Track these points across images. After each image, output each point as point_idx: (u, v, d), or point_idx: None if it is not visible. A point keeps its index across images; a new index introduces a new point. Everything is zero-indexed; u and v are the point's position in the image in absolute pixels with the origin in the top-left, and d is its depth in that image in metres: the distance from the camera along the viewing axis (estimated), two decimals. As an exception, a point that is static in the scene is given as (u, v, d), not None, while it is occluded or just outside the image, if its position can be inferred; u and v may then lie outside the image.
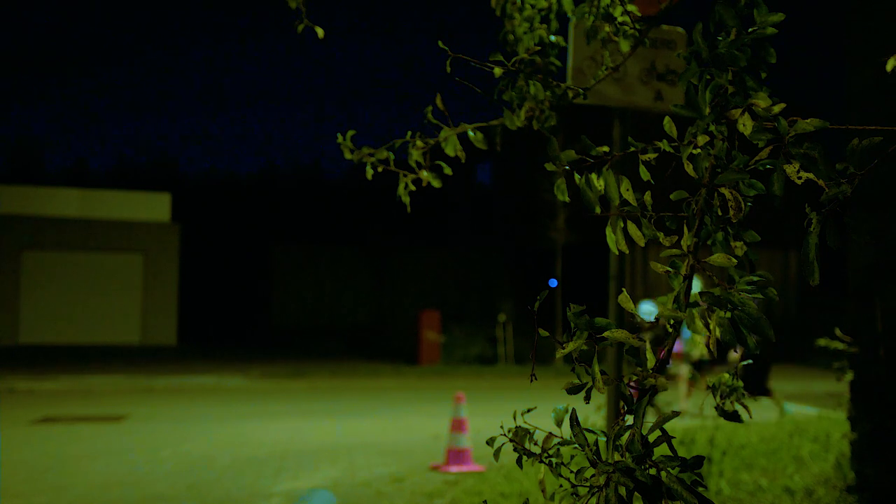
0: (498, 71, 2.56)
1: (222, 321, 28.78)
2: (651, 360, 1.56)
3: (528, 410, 1.84)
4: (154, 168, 45.34)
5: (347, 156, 2.86)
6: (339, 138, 2.86)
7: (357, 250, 27.95)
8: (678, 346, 11.05)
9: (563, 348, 1.51)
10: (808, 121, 1.45)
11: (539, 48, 2.64)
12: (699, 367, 10.97)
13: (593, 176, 1.84)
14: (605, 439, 1.48)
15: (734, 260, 1.53)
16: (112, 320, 24.05)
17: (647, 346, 1.58)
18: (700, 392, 11.61)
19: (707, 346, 1.57)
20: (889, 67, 2.06)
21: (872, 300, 5.14)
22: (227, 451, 8.27)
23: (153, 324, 24.55)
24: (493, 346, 19.79)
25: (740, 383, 1.88)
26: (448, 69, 2.58)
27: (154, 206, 25.30)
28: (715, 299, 1.52)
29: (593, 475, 1.43)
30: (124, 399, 12.82)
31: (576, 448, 1.51)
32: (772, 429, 8.74)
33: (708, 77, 1.59)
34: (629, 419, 1.46)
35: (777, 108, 1.49)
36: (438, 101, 2.61)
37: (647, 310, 10.47)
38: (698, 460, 1.37)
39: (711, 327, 1.52)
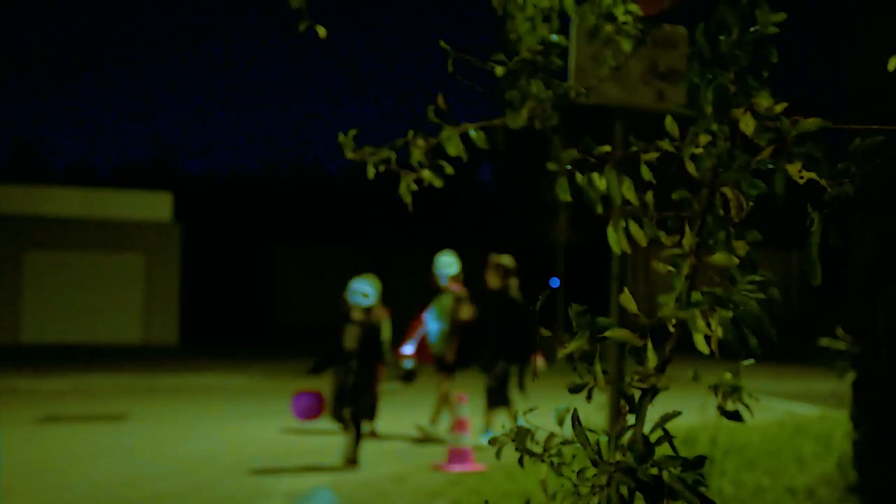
0: (500, 70, 2.56)
1: (224, 321, 28.79)
2: (652, 360, 1.56)
3: (530, 410, 1.84)
4: (155, 168, 45.36)
5: (349, 155, 2.85)
6: (341, 137, 2.86)
7: (359, 250, 27.96)
8: (415, 346, 9.44)
9: (565, 347, 1.51)
10: (811, 120, 1.45)
11: (541, 47, 2.64)
12: (446, 369, 9.26)
13: (595, 175, 1.84)
14: (606, 439, 1.48)
15: (736, 259, 1.53)
16: (113, 320, 24.07)
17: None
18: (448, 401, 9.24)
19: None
20: (891, 67, 2.05)
21: (874, 300, 5.13)
22: (229, 451, 8.27)
23: (155, 323, 24.58)
24: (494, 346, 19.77)
25: (742, 383, 1.87)
26: (450, 68, 2.58)
27: (155, 206, 25.32)
28: (717, 299, 1.52)
29: (595, 475, 1.43)
30: (126, 398, 12.83)
31: (577, 447, 1.51)
32: (774, 429, 8.74)
33: (710, 76, 1.59)
34: (631, 418, 1.46)
35: (779, 108, 1.49)
36: (440, 101, 2.62)
37: (361, 289, 7.98)
38: (700, 460, 1.37)
39: (713, 327, 1.51)
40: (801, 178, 1.43)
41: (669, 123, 1.76)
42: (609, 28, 2.65)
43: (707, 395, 1.94)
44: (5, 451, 7.70)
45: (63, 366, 17.58)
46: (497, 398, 8.99)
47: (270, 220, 36.89)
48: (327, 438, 8.89)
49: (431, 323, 9.41)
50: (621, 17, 2.61)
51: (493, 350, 8.92)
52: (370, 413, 8.15)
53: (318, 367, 7.88)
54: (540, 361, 9.19)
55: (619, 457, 1.42)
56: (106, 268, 24.26)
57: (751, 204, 1.58)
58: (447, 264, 9.40)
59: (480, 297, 9.26)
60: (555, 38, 2.70)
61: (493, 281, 9.14)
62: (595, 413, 7.47)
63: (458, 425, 7.55)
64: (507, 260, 9.19)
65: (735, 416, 1.82)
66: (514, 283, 9.17)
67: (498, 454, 1.80)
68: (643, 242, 1.78)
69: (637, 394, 1.52)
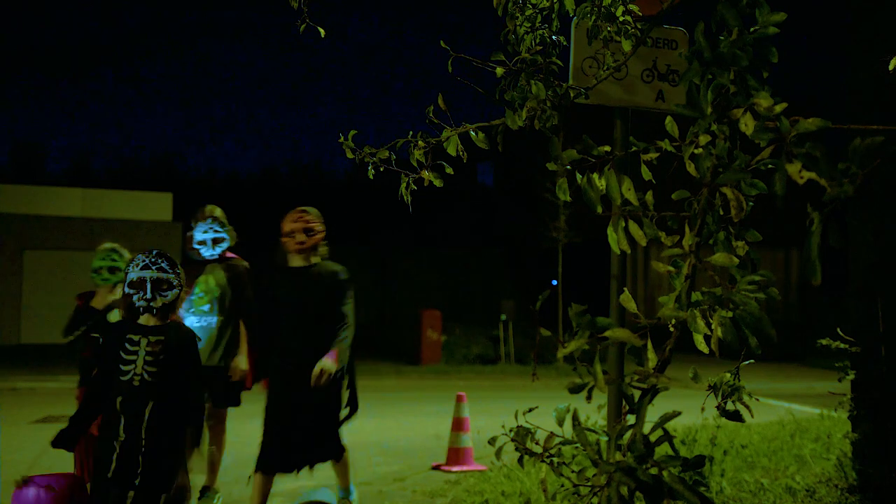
0: (500, 70, 2.56)
1: (224, 321, 28.67)
2: (652, 360, 1.56)
3: (530, 410, 1.84)
4: (155, 167, 45.38)
5: (349, 155, 2.86)
6: (341, 138, 2.87)
7: (358, 250, 27.97)
8: None
9: (565, 347, 1.51)
10: (810, 120, 1.45)
11: (541, 48, 2.64)
12: (231, 391, 5.92)
13: (595, 175, 1.84)
14: (606, 439, 1.48)
15: (736, 259, 1.53)
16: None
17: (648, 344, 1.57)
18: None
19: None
20: (891, 67, 2.05)
21: (874, 299, 5.14)
22: (228, 451, 8.27)
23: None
24: (494, 346, 19.80)
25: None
26: (450, 69, 2.58)
27: (156, 206, 25.32)
28: (716, 299, 1.52)
29: (595, 475, 1.43)
30: (126, 398, 12.82)
31: (577, 447, 1.51)
32: (774, 429, 8.74)
33: (710, 77, 1.59)
34: (631, 419, 1.47)
35: (779, 108, 1.49)
36: (440, 101, 2.62)
37: (164, 276, 3.90)
38: (700, 460, 1.38)
39: (713, 327, 1.52)
40: (801, 178, 1.43)
41: (669, 124, 1.77)
42: (609, 28, 2.65)
43: (707, 395, 1.94)
44: (5, 451, 7.70)
45: (63, 365, 17.57)
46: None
47: (270, 220, 36.92)
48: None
49: (189, 315, 5.81)
50: (621, 17, 2.61)
51: (281, 363, 5.21)
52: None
53: (73, 433, 3.88)
54: (330, 377, 5.04)
55: (619, 457, 1.42)
56: (106, 268, 24.24)
57: (750, 204, 1.58)
58: (212, 221, 5.93)
59: (271, 275, 5.44)
60: (554, 38, 2.70)
61: (293, 251, 5.32)
62: (595, 413, 7.48)
63: (458, 425, 7.55)
64: (314, 215, 5.52)
65: (735, 416, 1.82)
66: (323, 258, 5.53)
67: (498, 454, 1.80)
68: (643, 242, 1.78)
69: (637, 394, 1.52)
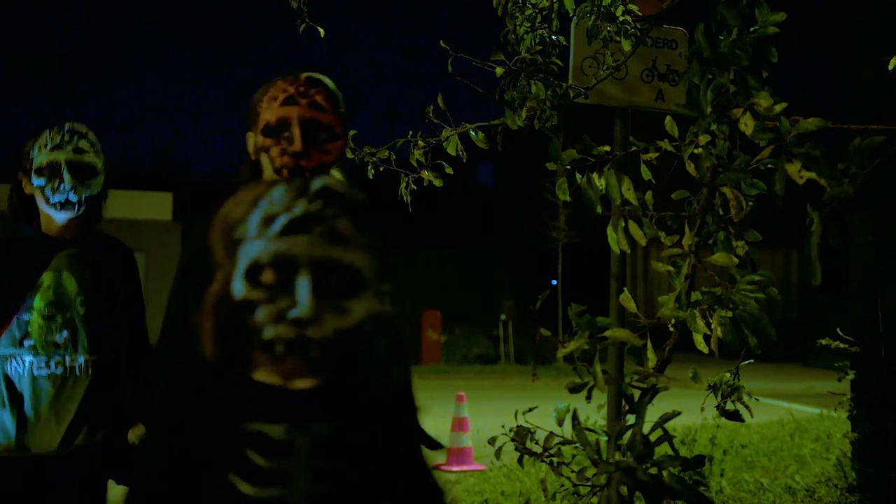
0: (499, 70, 2.56)
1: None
2: (652, 360, 1.56)
3: (530, 410, 1.84)
4: (155, 167, 45.39)
5: (349, 155, 2.87)
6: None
7: (358, 250, 27.97)
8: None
9: (565, 347, 1.51)
10: (810, 120, 1.45)
11: (540, 48, 2.64)
12: None
13: (595, 175, 1.84)
14: (606, 439, 1.48)
15: (735, 259, 1.53)
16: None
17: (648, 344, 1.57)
18: None
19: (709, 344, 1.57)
20: (891, 66, 2.06)
21: (874, 299, 5.13)
22: (228, 451, 8.28)
23: (155, 323, 24.54)
24: (494, 346, 19.80)
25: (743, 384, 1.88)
26: (450, 69, 2.58)
27: (156, 206, 25.31)
28: (716, 299, 1.52)
29: (595, 475, 1.43)
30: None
31: (577, 447, 1.51)
32: (774, 429, 8.74)
33: (709, 76, 1.59)
34: (630, 419, 1.47)
35: (779, 108, 1.49)
36: (440, 101, 2.62)
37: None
38: (699, 460, 1.38)
39: (713, 327, 1.52)
40: (801, 178, 1.43)
41: (669, 123, 1.77)
42: (609, 28, 2.65)
43: (707, 395, 1.94)
44: None
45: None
46: None
47: (270, 220, 36.87)
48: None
49: (22, 353, 2.63)
50: (621, 17, 2.61)
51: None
52: None
53: None
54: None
55: (618, 457, 1.42)
56: (106, 268, 24.22)
57: (750, 204, 1.58)
58: (71, 130, 2.80)
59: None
60: (554, 38, 2.70)
61: (280, 167, 1.81)
62: (595, 413, 7.46)
63: (458, 424, 7.55)
64: (333, 97, 1.86)
65: (735, 416, 1.82)
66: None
67: (498, 454, 1.80)
68: (643, 242, 1.79)
69: (637, 394, 1.52)
